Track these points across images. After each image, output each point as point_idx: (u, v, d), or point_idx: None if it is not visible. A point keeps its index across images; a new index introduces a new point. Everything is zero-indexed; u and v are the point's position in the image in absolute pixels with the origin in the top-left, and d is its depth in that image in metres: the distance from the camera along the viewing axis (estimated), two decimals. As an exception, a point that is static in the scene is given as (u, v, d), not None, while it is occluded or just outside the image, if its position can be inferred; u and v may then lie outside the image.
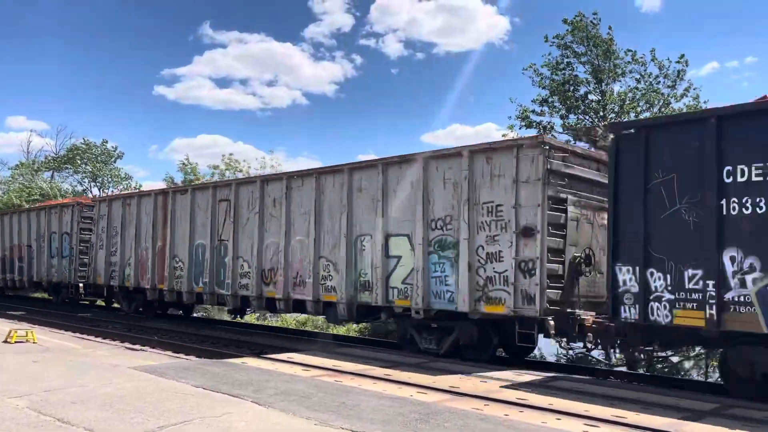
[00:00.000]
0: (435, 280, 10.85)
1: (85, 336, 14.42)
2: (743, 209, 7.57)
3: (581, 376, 9.21)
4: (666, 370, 14.67)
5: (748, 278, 7.45)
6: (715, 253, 7.64)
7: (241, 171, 33.75)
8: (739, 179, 7.59)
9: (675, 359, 14.59)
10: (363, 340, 15.71)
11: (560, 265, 9.79)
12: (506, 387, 7.79)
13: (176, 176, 37.60)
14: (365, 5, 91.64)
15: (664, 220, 8.12)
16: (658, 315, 8.14)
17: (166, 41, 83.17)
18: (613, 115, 19.88)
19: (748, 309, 7.44)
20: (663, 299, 8.10)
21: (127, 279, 17.98)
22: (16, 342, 11.77)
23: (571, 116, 20.81)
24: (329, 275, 12.54)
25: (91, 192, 44.23)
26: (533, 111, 21.33)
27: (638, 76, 20.27)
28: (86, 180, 45.62)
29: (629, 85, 20.41)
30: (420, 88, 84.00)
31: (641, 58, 20.14)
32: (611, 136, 8.89)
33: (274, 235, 13.69)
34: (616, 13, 68.09)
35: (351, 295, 12.12)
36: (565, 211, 9.89)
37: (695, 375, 14.36)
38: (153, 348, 12.91)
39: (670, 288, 8.03)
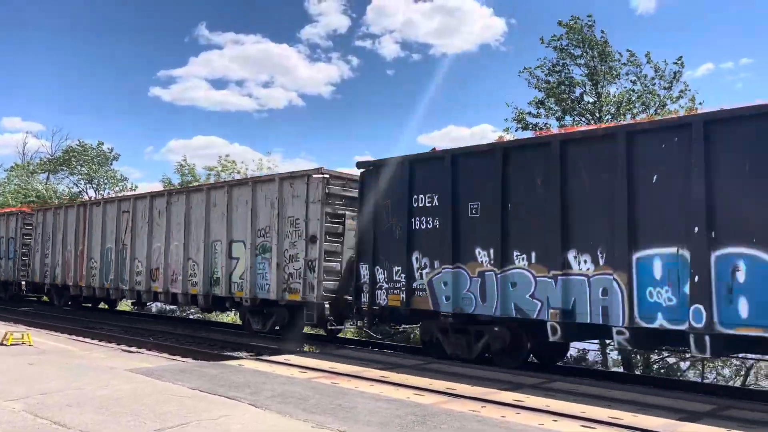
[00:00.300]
0: (259, 275, 14.06)
1: (81, 338, 14.40)
2: (421, 225, 10.80)
3: (578, 378, 9.23)
4: (662, 371, 14.71)
5: (424, 272, 10.67)
6: (406, 255, 10.87)
7: (238, 172, 33.69)
8: (419, 204, 10.82)
9: (671, 360, 14.63)
10: (361, 341, 15.71)
11: (338, 264, 13.02)
12: (503, 389, 7.80)
13: (173, 177, 37.53)
14: (361, 6, 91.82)
15: (384, 231, 11.34)
16: (380, 299, 11.36)
17: (162, 42, 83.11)
18: (609, 116, 19.92)
19: (424, 293, 10.66)
20: (383, 288, 11.30)
21: (57, 278, 21.42)
22: (12, 344, 11.75)
23: (567, 118, 20.84)
24: (194, 273, 15.75)
25: (86, 194, 44.15)
26: (529, 113, 21.38)
27: (634, 78, 20.31)
28: (82, 182, 45.51)
29: (625, 87, 20.46)
30: (416, 89, 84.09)
31: (637, 59, 20.18)
32: (361, 170, 12.00)
33: (159, 241, 16.92)
34: (611, 15, 68.26)
35: (207, 289, 15.34)
36: (343, 223, 13.06)
37: (692, 376, 14.40)
38: (149, 350, 12.89)
39: (386, 280, 11.25)
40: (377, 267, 11.41)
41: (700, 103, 19.51)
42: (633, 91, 20.10)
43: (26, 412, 6.13)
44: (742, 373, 14.20)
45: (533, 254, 9.27)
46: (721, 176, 7.66)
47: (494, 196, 9.70)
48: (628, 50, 20.31)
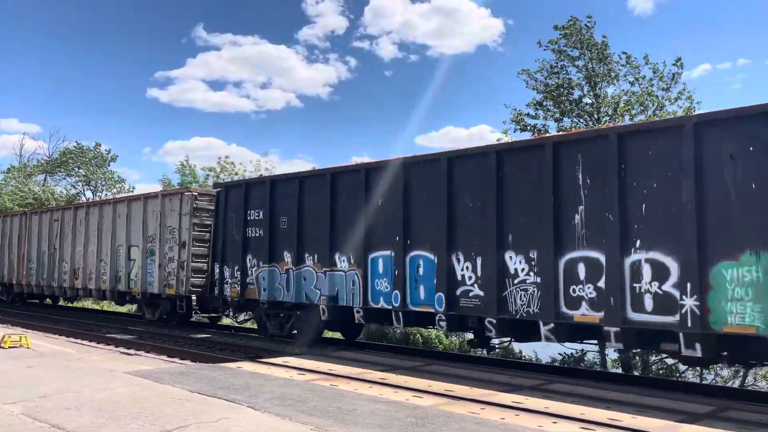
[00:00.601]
0: (148, 274, 17.06)
1: (79, 341, 14.37)
2: (252, 233, 13.98)
3: (576, 379, 9.24)
4: (661, 372, 14.71)
5: (253, 270, 13.81)
6: (242, 257, 14.06)
7: (236, 174, 33.67)
8: (252, 218, 13.96)
9: (670, 361, 14.63)
10: (358, 343, 15.68)
11: (205, 264, 15.72)
12: (502, 390, 7.80)
13: (173, 178, 37.45)
14: (359, 8, 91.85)
15: (229, 238, 14.53)
16: (226, 292, 14.59)
17: (160, 43, 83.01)
18: (607, 118, 19.93)
19: (253, 286, 13.83)
20: (228, 282, 14.50)
21: (5, 277, 24.59)
22: (9, 347, 11.73)
23: (566, 119, 20.85)
24: (105, 272, 18.87)
25: (84, 195, 44.08)
26: (527, 114, 21.38)
27: (632, 79, 20.32)
28: (80, 183, 45.40)
29: (623, 89, 20.47)
30: (414, 90, 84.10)
31: (635, 61, 20.19)
32: (216, 190, 15.45)
33: (80, 245, 20.08)
34: (609, 16, 68.42)
35: (113, 285, 18.44)
36: (209, 231, 15.77)
37: (690, 377, 14.40)
38: (148, 352, 12.87)
39: (230, 276, 14.47)
40: (225, 266, 14.67)
41: (698, 103, 19.54)
42: (632, 92, 20.10)
43: (25, 415, 6.12)
44: (741, 374, 14.21)
45: (315, 256, 12.56)
46: (413, 202, 10.94)
47: (294, 214, 13.00)
48: (624, 53, 20.34)
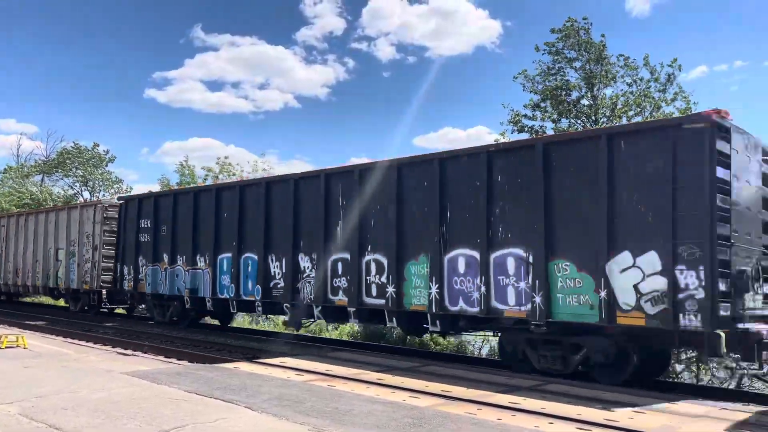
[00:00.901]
0: (71, 272, 20.33)
1: (76, 341, 14.36)
2: (143, 239, 17.25)
3: (573, 380, 9.26)
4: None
5: (143, 268, 17.20)
6: (135, 257, 17.41)
7: (234, 174, 33.68)
8: (143, 225, 17.32)
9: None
10: (356, 344, 15.71)
11: (112, 263, 18.84)
12: (499, 391, 7.82)
13: (173, 178, 37.45)
14: (357, 9, 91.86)
15: (128, 242, 17.77)
16: (125, 286, 18.02)
17: (157, 44, 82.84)
18: (605, 119, 19.98)
19: (143, 281, 17.21)
20: (126, 279, 17.86)
21: None
22: (6, 347, 11.71)
23: (563, 121, 20.90)
24: (39, 271, 22.24)
25: (82, 196, 44.00)
26: (525, 115, 21.43)
27: (630, 81, 20.37)
28: (77, 184, 45.34)
29: (621, 90, 20.51)
30: (412, 91, 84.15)
31: (633, 62, 20.24)
32: (120, 202, 18.79)
33: (21, 248, 23.42)
34: (606, 18, 68.53)
35: (45, 282, 21.89)
36: (117, 236, 18.71)
37: (687, 378, 14.43)
38: (145, 353, 12.86)
39: (128, 273, 17.75)
40: (124, 265, 17.95)
41: (695, 104, 19.60)
42: (631, 93, 20.14)
43: (22, 416, 6.12)
44: (737, 375, 14.27)
45: (184, 257, 15.84)
46: (247, 215, 14.25)
47: (170, 223, 16.24)
48: (622, 55, 20.39)
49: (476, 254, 10.14)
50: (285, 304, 13.28)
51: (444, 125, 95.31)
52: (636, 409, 6.96)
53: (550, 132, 20.75)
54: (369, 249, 11.75)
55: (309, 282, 12.79)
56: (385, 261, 11.40)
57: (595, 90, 20.50)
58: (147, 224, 17.06)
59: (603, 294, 8.67)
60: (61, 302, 24.54)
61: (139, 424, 5.85)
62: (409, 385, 8.07)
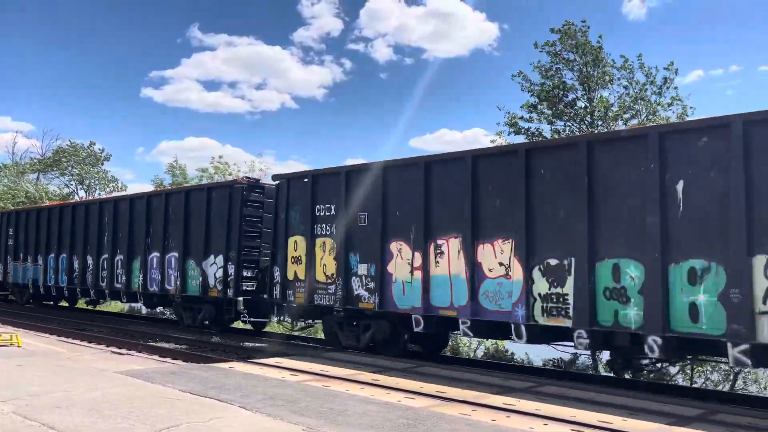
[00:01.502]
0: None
1: (70, 340, 14.31)
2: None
3: (568, 382, 9.28)
4: (652, 375, 14.75)
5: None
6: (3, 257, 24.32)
7: (230, 174, 33.63)
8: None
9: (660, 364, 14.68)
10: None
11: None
12: (494, 392, 7.82)
13: (165, 178, 37.38)
14: (354, 10, 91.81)
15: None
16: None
17: (154, 43, 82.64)
18: (600, 122, 20.01)
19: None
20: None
21: None
22: (0, 345, 11.66)
23: (559, 122, 20.93)
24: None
25: (77, 194, 43.86)
26: (521, 117, 21.45)
27: (626, 83, 20.40)
28: (73, 182, 45.21)
29: (618, 93, 20.55)
30: (409, 92, 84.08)
31: (630, 65, 20.28)
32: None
33: None
34: (602, 21, 68.57)
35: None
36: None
37: (681, 380, 14.46)
38: (139, 352, 12.83)
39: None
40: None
41: (692, 108, 19.65)
42: (628, 95, 20.17)
43: (15, 414, 6.10)
44: (731, 378, 14.30)
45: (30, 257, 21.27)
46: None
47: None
48: (621, 56, 20.43)
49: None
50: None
51: (441, 127, 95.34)
52: (630, 411, 6.96)
53: (546, 134, 20.80)
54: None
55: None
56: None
57: (591, 92, 20.53)
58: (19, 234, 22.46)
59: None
60: None
61: (133, 423, 5.83)
62: (404, 386, 8.06)
